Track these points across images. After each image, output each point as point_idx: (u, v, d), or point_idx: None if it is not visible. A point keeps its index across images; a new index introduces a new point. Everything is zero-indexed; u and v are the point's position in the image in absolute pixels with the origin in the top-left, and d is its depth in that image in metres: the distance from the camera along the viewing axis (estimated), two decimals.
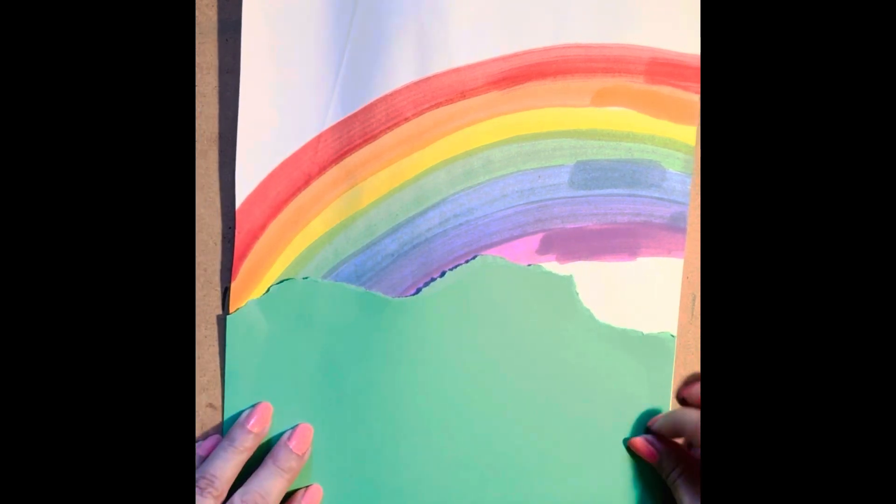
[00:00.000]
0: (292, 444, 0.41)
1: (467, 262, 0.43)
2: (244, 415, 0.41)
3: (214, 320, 0.42)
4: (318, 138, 0.41)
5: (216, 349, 0.42)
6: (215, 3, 0.40)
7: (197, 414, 0.42)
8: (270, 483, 0.40)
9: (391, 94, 0.41)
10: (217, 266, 0.42)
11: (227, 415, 0.42)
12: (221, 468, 0.39)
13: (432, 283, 0.42)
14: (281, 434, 0.42)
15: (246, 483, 0.39)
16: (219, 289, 0.42)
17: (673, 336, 0.44)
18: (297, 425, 0.42)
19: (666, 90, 0.43)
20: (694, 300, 0.44)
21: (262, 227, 0.41)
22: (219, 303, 0.42)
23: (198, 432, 0.42)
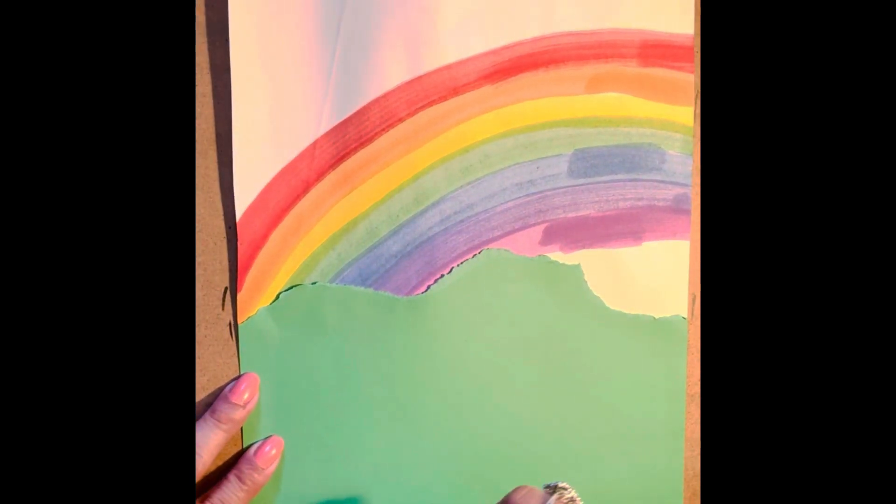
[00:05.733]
0: (233, 398, 0.41)
1: (474, 256, 0.43)
2: (228, 387, 0.42)
3: (214, 320, 0.42)
4: (314, 145, 0.41)
5: (216, 349, 0.42)
6: (214, 3, 0.41)
7: (196, 414, 0.42)
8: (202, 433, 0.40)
9: (384, 96, 0.41)
10: (217, 266, 0.42)
11: (245, 421, 0.42)
12: (202, 440, 0.40)
13: (440, 280, 0.43)
14: (299, 434, 0.42)
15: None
16: (219, 289, 0.42)
17: (684, 319, 0.44)
18: (240, 376, 0.42)
19: (660, 72, 0.43)
20: (694, 300, 0.44)
21: (265, 237, 0.41)
22: (219, 303, 0.42)
23: None
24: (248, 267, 0.42)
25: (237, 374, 0.42)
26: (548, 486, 0.36)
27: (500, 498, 0.43)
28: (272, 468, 0.42)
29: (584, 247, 0.43)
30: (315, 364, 0.42)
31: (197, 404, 0.42)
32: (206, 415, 0.41)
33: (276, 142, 0.41)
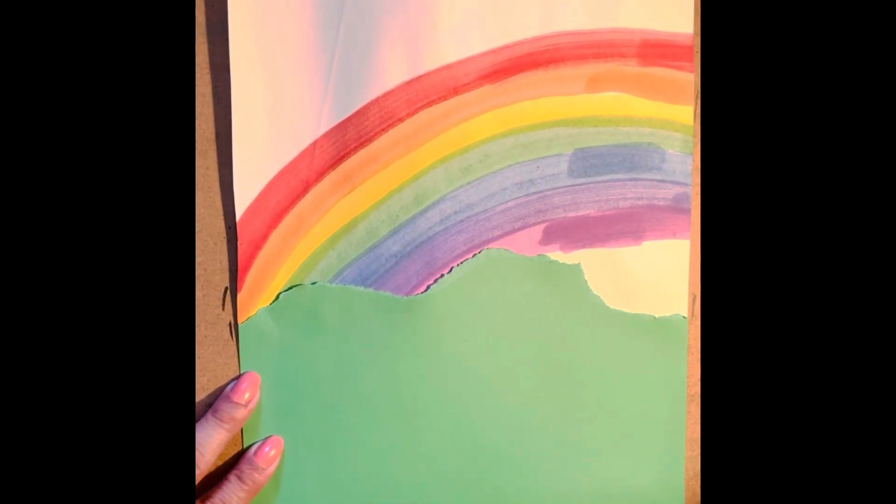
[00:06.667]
0: (235, 397, 0.41)
1: (474, 256, 0.43)
2: (229, 387, 0.42)
3: (214, 320, 0.42)
4: (314, 145, 0.41)
5: (216, 349, 0.42)
6: (214, 3, 0.41)
7: (197, 414, 0.42)
8: (206, 433, 0.40)
9: (384, 96, 0.41)
10: (217, 266, 0.42)
11: (244, 421, 0.42)
12: (204, 439, 0.40)
13: (440, 280, 0.43)
14: (300, 434, 0.42)
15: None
16: (219, 289, 0.42)
17: (685, 318, 0.44)
18: (241, 375, 0.42)
19: (659, 71, 0.43)
20: (695, 300, 0.44)
21: (264, 237, 0.41)
22: (219, 303, 0.42)
23: None
24: (248, 267, 0.42)
25: (237, 374, 0.42)
26: None
27: (500, 498, 0.43)
28: (272, 468, 0.42)
29: (584, 246, 0.43)
30: (315, 364, 0.42)
31: (197, 404, 0.42)
32: (208, 414, 0.41)
33: (276, 142, 0.41)
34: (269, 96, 0.41)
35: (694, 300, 0.44)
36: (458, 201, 0.42)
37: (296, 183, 0.41)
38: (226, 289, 0.42)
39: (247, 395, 0.41)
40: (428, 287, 0.42)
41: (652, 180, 0.43)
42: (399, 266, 0.42)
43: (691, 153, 0.43)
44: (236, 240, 0.42)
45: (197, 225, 0.42)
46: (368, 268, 0.42)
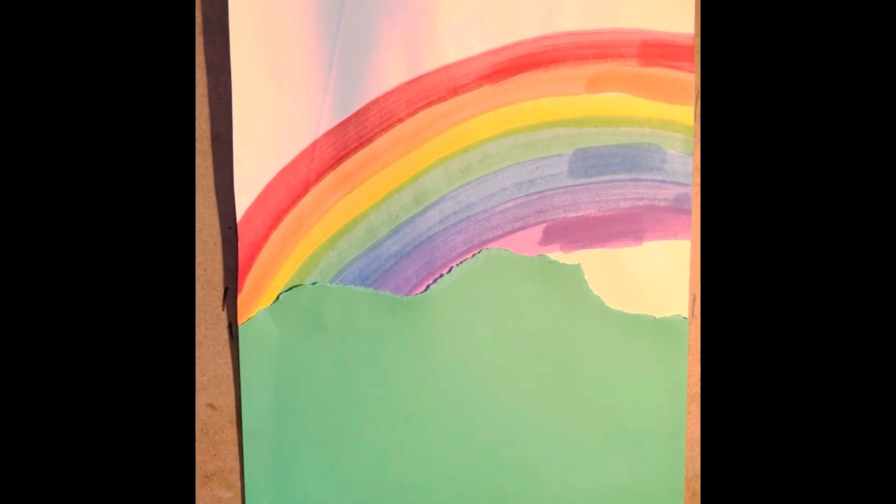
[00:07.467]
0: None
1: (474, 256, 0.43)
2: None
3: (214, 320, 0.42)
4: (314, 145, 0.41)
5: (216, 349, 0.42)
6: (214, 3, 0.41)
7: (197, 414, 0.42)
8: None
9: (384, 96, 0.41)
10: (217, 266, 0.42)
11: (246, 422, 0.42)
12: None
13: (440, 280, 0.43)
14: (300, 435, 0.42)
15: None
16: (219, 289, 0.42)
17: (685, 318, 0.44)
18: None
19: (660, 72, 0.43)
20: (695, 301, 0.44)
21: (265, 238, 0.42)
22: (219, 303, 0.42)
23: (197, 432, 0.43)
24: (248, 268, 0.42)
25: (237, 374, 0.42)
26: None
27: (500, 498, 0.43)
28: None
29: (584, 247, 0.43)
30: (315, 364, 0.42)
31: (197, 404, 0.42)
32: None
33: (276, 142, 0.41)
34: (269, 96, 0.41)
35: (694, 300, 0.44)
36: (457, 201, 0.42)
37: (296, 183, 0.41)
38: (226, 289, 0.42)
39: None
40: (427, 287, 0.42)
41: (652, 181, 0.43)
42: (399, 266, 0.42)
43: (692, 153, 0.43)
44: (236, 240, 0.42)
45: (197, 225, 0.42)
46: (368, 268, 0.42)
